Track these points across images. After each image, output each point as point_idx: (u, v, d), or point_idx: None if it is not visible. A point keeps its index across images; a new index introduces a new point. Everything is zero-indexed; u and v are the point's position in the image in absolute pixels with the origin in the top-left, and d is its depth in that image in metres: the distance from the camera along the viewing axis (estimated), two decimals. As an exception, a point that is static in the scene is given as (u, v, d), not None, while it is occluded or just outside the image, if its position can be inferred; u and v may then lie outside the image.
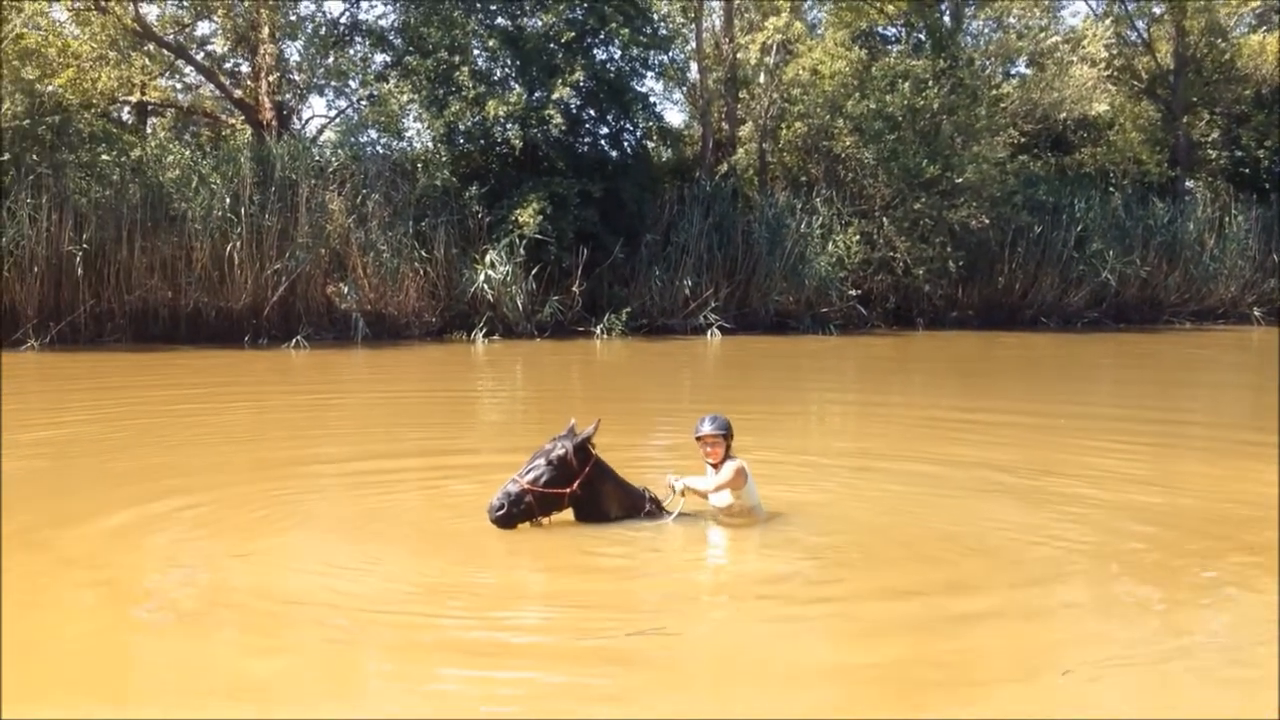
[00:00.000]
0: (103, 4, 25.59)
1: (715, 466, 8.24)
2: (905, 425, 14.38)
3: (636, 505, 8.17)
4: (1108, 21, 34.83)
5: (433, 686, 5.42)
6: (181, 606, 6.66)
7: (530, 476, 7.81)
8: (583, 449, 7.92)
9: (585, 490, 7.93)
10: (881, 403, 17.70)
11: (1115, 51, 35.86)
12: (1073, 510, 8.96)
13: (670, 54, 31.88)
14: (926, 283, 30.91)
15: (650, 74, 31.00)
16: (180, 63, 29.72)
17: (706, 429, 8.23)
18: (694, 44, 32.75)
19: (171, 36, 28.39)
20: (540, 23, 27.84)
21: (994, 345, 27.37)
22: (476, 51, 28.34)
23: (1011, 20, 33.02)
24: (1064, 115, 33.36)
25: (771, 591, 6.95)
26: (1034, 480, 10.22)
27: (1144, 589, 7.11)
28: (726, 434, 8.21)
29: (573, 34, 27.74)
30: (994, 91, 31.82)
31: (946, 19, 33.71)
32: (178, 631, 6.21)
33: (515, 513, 7.77)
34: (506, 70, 28.62)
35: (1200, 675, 5.67)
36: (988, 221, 31.03)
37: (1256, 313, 34.52)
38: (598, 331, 27.27)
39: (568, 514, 8.06)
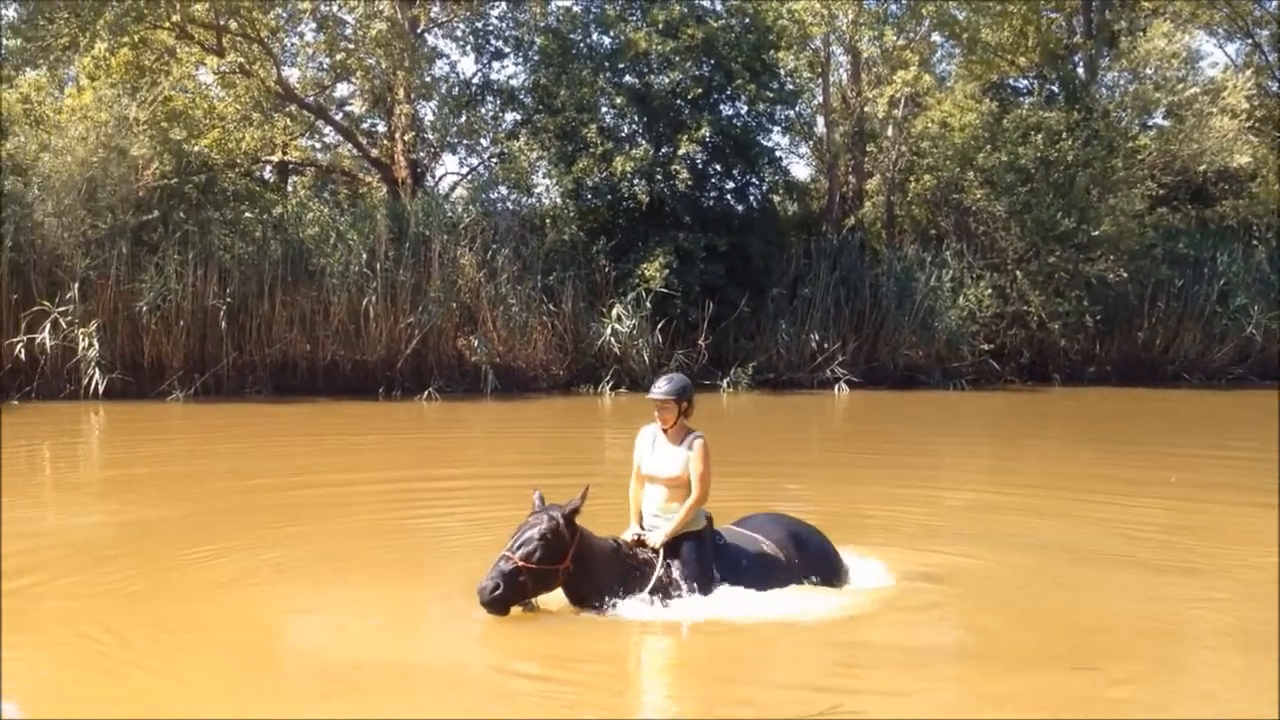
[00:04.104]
0: (247, 67, 26.59)
1: (666, 431, 7.71)
2: (1037, 484, 13.97)
3: (625, 566, 7.56)
4: (1248, 72, 33.86)
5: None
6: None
7: (522, 552, 7.18)
8: (570, 520, 7.34)
9: (576, 564, 7.34)
10: (1014, 457, 17.29)
11: (1256, 103, 34.79)
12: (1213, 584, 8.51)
13: (796, 108, 31.87)
14: (1062, 337, 30.14)
15: (776, 128, 30.97)
16: (320, 123, 30.74)
17: (660, 391, 7.70)
18: (820, 98, 32.68)
19: (312, 98, 29.33)
20: (667, 80, 28.09)
21: (1135, 401, 26.43)
22: (604, 109, 28.69)
23: (1148, 71, 32.24)
24: (1204, 167, 32.42)
25: (925, 663, 6.70)
26: (1172, 549, 9.75)
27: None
28: (681, 398, 7.66)
29: (699, 90, 27.97)
30: (1131, 143, 31.06)
31: (1080, 70, 33.13)
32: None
33: (510, 594, 7.14)
34: (634, 126, 28.94)
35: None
36: (1126, 275, 30.18)
37: None
38: (724, 385, 27.11)
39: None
